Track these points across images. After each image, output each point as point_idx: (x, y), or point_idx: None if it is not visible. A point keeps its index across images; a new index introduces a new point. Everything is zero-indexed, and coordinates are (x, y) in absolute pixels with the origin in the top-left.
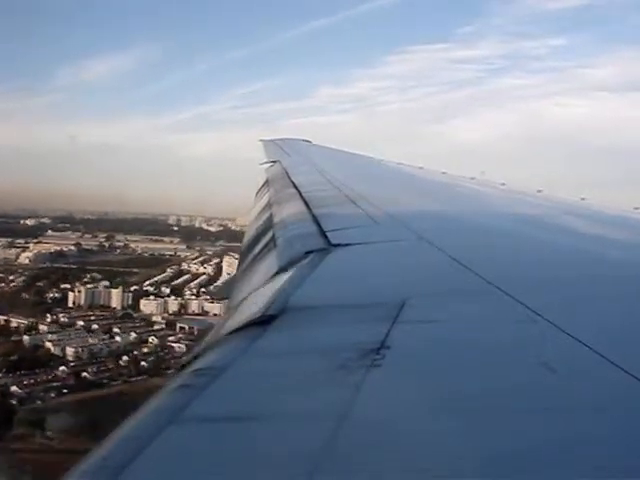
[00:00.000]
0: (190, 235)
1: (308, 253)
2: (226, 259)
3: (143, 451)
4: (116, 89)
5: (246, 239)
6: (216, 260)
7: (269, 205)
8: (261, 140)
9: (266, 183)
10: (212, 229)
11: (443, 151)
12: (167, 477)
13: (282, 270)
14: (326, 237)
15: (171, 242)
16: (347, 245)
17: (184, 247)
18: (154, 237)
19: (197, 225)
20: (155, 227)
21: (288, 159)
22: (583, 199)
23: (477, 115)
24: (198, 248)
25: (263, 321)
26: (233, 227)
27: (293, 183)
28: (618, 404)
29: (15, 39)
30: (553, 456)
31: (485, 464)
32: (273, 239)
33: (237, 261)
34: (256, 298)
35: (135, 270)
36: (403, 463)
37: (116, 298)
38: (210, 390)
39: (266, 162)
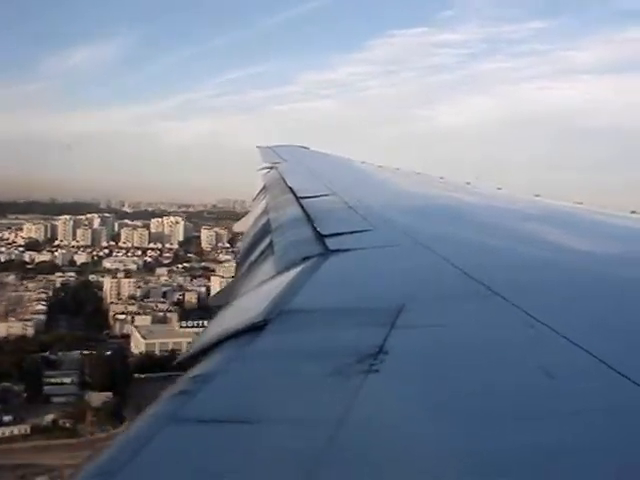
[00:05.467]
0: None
1: (306, 259)
2: (26, 225)
3: (139, 456)
4: (89, 80)
5: (243, 245)
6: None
7: (266, 211)
8: (258, 147)
9: (263, 189)
10: (127, 210)
11: (427, 135)
12: None
13: (279, 276)
14: (324, 243)
15: (58, 220)
16: (345, 251)
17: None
18: (46, 216)
19: (124, 208)
20: (79, 209)
21: (285, 165)
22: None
23: (461, 99)
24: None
25: (260, 326)
26: (150, 208)
27: (290, 189)
28: (616, 408)
29: None
30: (552, 461)
31: (483, 469)
32: (270, 245)
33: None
34: (253, 303)
35: None
36: (400, 469)
37: None
38: (206, 395)
39: (263, 168)
